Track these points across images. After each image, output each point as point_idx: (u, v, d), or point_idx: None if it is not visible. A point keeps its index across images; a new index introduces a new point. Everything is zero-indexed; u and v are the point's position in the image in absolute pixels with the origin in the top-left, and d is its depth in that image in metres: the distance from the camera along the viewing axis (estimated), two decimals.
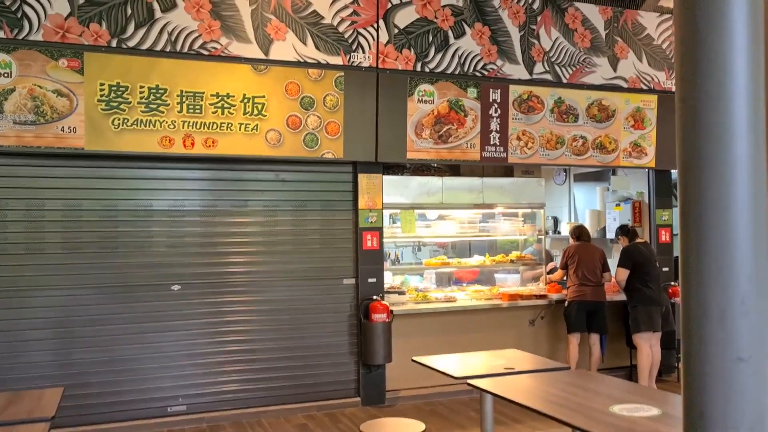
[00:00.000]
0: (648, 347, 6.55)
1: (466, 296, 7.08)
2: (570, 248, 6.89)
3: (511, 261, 7.34)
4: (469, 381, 3.55)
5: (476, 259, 7.39)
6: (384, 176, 6.76)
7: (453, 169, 7.63)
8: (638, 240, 6.78)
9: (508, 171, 7.68)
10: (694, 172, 1.47)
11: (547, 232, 8.34)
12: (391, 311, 6.31)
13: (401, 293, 6.78)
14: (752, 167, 1.45)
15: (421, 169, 7.27)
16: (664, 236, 7.66)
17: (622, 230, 6.88)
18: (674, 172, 7.60)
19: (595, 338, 6.73)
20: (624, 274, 6.59)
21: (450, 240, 7.63)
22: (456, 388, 6.62)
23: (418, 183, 6.85)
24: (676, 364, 7.46)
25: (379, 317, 6.18)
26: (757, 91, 1.48)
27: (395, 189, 6.72)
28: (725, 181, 1.43)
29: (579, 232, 6.94)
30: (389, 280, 7.23)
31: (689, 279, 1.52)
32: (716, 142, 1.44)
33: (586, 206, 9.11)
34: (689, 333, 1.59)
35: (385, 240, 6.90)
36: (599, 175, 8.88)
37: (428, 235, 7.15)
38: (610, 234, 8.12)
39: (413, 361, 4.27)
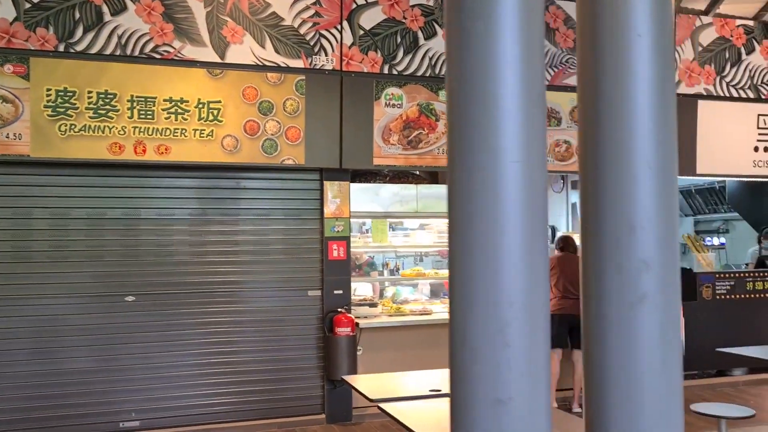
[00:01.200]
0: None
1: (445, 308, 6.75)
2: (552, 260, 6.53)
3: None
4: (380, 405, 3.26)
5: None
6: (355, 184, 6.52)
7: (432, 176, 7.34)
8: None
9: None
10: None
11: None
12: (357, 324, 6.03)
13: (373, 305, 6.50)
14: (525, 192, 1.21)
15: (399, 176, 7.00)
16: None
17: None
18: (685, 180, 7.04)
19: (578, 354, 6.33)
20: None
21: (426, 249, 7.32)
22: None
23: (391, 191, 6.57)
24: None
25: (342, 331, 5.91)
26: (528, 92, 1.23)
27: (367, 197, 6.47)
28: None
29: (563, 243, 6.58)
30: (366, 291, 6.96)
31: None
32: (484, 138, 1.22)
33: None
34: (453, 373, 1.35)
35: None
36: None
37: (404, 245, 6.86)
38: None
39: (342, 379, 3.99)
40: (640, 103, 1.38)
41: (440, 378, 3.93)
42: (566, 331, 6.29)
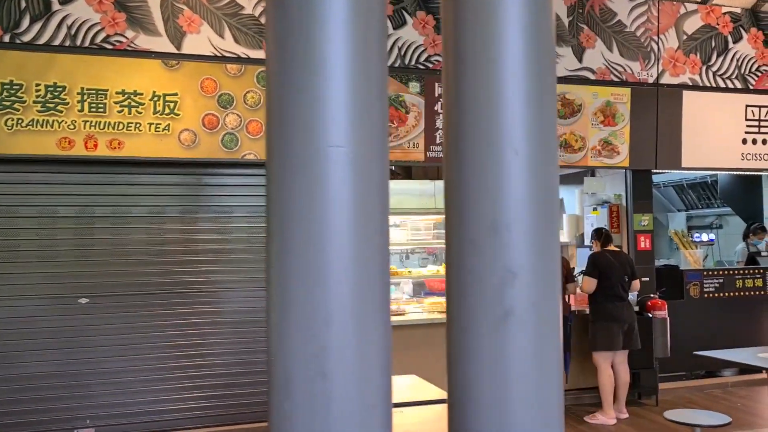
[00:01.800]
0: (607, 367, 5.91)
1: (419, 308, 6.52)
2: None
3: None
4: None
5: (430, 269, 6.82)
6: None
7: (406, 171, 7.08)
8: (611, 247, 6.14)
9: None
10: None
11: None
12: None
13: None
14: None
15: None
16: (644, 243, 6.95)
17: (596, 233, 6.25)
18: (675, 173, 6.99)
19: None
20: (590, 283, 5.97)
21: (402, 247, 7.07)
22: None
23: None
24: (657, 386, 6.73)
25: None
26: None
27: None
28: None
29: None
30: None
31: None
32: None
33: (570, 211, 8.42)
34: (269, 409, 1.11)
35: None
36: (583, 177, 8.19)
37: None
38: (589, 240, 7.44)
39: None
40: (506, 80, 1.13)
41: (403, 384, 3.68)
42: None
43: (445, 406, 3.26)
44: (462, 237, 1.12)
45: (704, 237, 8.20)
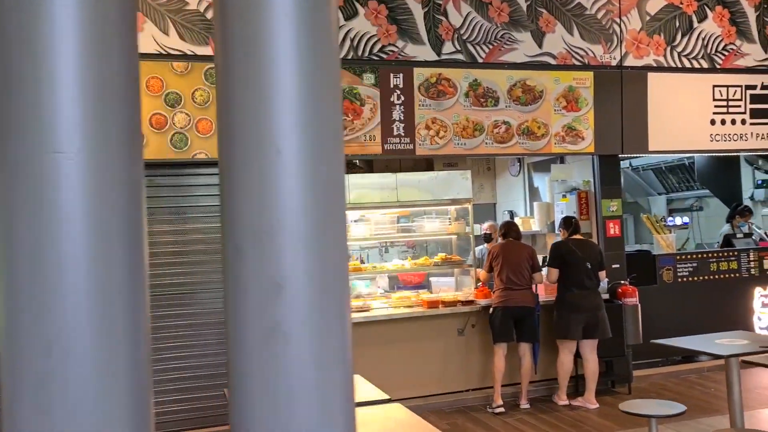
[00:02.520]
0: (564, 354, 5.93)
1: (385, 304, 6.41)
2: (494, 248, 6.17)
3: (435, 263, 6.63)
4: None
5: (395, 263, 6.72)
6: None
7: (368, 165, 6.97)
8: (576, 236, 6.06)
9: (430, 165, 6.97)
10: None
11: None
12: None
13: None
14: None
15: None
16: (613, 229, 6.85)
17: (565, 223, 6.16)
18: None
19: (525, 348, 5.98)
20: (553, 273, 5.93)
21: (364, 242, 6.96)
22: None
23: None
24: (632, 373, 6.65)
25: None
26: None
27: None
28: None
29: (506, 229, 6.19)
30: None
31: None
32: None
33: (544, 198, 8.32)
34: None
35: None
36: (550, 165, 8.08)
37: None
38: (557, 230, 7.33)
39: None
40: (272, 73, 1.02)
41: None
42: (511, 324, 5.93)
43: (367, 409, 3.16)
44: (229, 244, 1.01)
45: (678, 220, 8.09)
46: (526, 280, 5.95)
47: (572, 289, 5.83)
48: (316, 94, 1.02)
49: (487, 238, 7.33)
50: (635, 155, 7.90)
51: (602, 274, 6.05)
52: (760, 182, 9.30)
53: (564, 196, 7.24)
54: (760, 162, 8.92)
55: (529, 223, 7.91)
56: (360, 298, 6.67)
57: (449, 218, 6.83)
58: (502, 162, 8.86)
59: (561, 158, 7.44)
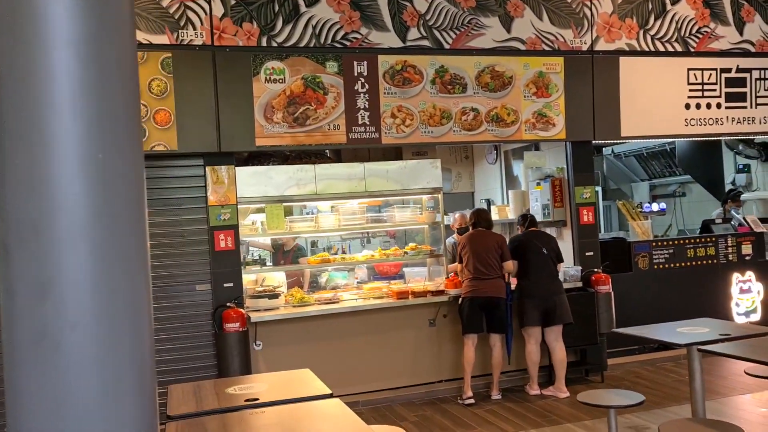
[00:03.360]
0: (531, 345, 5.95)
1: (355, 295, 6.33)
2: (462, 238, 6.08)
3: (405, 253, 6.54)
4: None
5: (365, 254, 6.63)
6: (246, 167, 6.08)
7: (337, 155, 6.86)
8: (532, 229, 6.04)
9: (400, 154, 6.87)
10: None
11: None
12: (248, 318, 5.62)
13: (273, 296, 6.07)
14: None
15: (301, 157, 6.52)
16: (587, 216, 6.75)
17: (522, 219, 6.24)
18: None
19: (495, 338, 5.90)
20: (512, 265, 5.90)
21: (330, 234, 6.87)
22: None
23: (286, 173, 6.10)
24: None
25: (231, 326, 5.49)
26: None
27: (259, 180, 6.00)
28: None
29: (475, 218, 6.10)
30: (266, 279, 6.54)
31: None
32: None
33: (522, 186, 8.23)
34: None
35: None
36: (523, 152, 7.97)
37: (307, 230, 6.39)
38: (536, 216, 7.23)
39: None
40: (46, 51, 0.92)
41: (289, 380, 3.50)
42: (480, 314, 5.85)
43: (311, 403, 3.08)
44: None
45: (655, 207, 8.00)
46: (495, 270, 5.86)
47: (529, 277, 5.91)
48: (95, 79, 0.92)
49: (460, 231, 7.24)
50: (617, 141, 7.78)
51: (560, 266, 6.03)
52: (741, 167, 9.20)
53: (538, 183, 7.15)
54: (741, 147, 8.82)
55: (506, 211, 7.83)
56: (333, 290, 6.60)
57: (420, 208, 6.73)
58: (480, 150, 8.77)
59: (536, 145, 7.34)
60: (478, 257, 5.83)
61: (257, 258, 6.76)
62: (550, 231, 7.16)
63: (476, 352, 5.89)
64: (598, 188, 10.33)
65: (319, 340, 6.02)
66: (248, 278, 6.51)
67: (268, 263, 6.74)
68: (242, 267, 6.23)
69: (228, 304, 5.58)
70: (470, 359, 5.87)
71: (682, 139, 8.80)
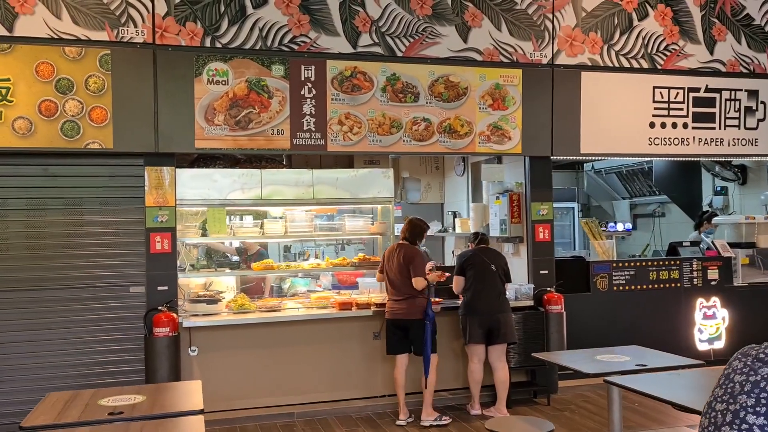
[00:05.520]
0: (474, 363, 5.76)
1: (299, 304, 6.19)
2: (385, 253, 5.86)
3: (352, 264, 6.40)
4: None
5: (311, 262, 6.50)
6: (188, 169, 5.97)
7: (288, 160, 6.74)
8: (482, 246, 5.85)
9: (351, 161, 6.73)
10: None
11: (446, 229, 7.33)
12: (181, 323, 5.49)
13: (213, 302, 5.95)
14: None
15: (252, 161, 6.40)
16: (543, 233, 6.58)
17: (474, 236, 6.03)
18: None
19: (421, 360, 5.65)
20: (457, 282, 5.71)
21: (278, 240, 6.74)
22: (270, 411, 5.79)
23: (231, 176, 5.99)
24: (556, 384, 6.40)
25: (161, 331, 5.37)
26: None
27: (202, 183, 5.90)
28: None
29: (406, 231, 5.68)
30: (213, 283, 6.42)
31: None
32: None
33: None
34: None
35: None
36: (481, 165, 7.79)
37: (252, 235, 6.27)
38: (494, 231, 7.09)
39: None
40: None
41: (183, 391, 3.37)
42: (400, 335, 5.56)
43: (174, 420, 2.95)
44: None
45: (620, 227, 7.80)
46: (406, 290, 5.46)
47: (474, 294, 5.65)
48: None
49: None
50: (588, 159, 7.57)
51: (507, 285, 5.83)
52: (719, 189, 8.99)
53: (497, 197, 6.99)
54: (717, 168, 8.61)
55: (468, 224, 7.67)
56: (292, 296, 6.48)
57: (372, 218, 6.59)
58: (451, 161, 8.62)
59: (499, 158, 7.18)
60: (388, 276, 5.60)
61: (205, 261, 6.65)
62: (507, 247, 7.01)
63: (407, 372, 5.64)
64: (574, 204, 10.15)
65: (258, 348, 5.89)
66: (196, 282, 6.42)
67: (224, 267, 6.62)
68: (187, 270, 6.14)
69: (159, 307, 5.46)
70: (399, 380, 5.59)
71: (660, 159, 8.61)
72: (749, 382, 2.05)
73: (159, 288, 5.55)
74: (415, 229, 5.67)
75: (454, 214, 8.25)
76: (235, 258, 7.02)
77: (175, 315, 5.46)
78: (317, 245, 8.67)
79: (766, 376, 2.00)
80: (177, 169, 5.72)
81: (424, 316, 5.44)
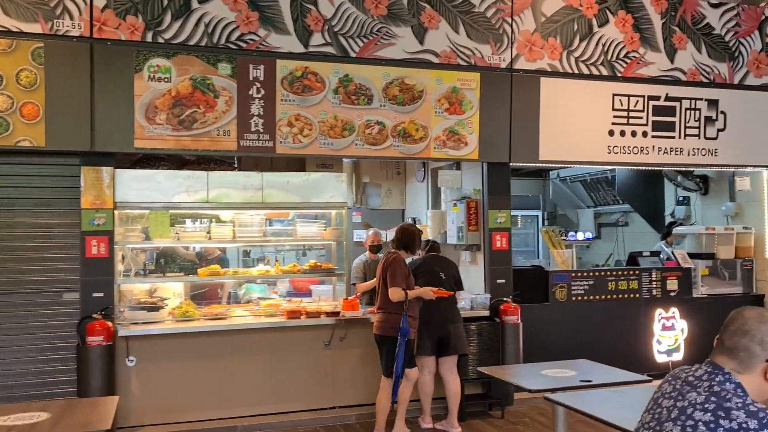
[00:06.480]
0: (424, 375, 5.48)
1: (247, 312, 5.94)
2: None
3: (303, 271, 6.17)
4: None
5: (259, 269, 6.26)
6: (129, 170, 5.71)
7: (239, 161, 6.50)
8: (433, 253, 5.66)
9: (303, 165, 6.52)
10: None
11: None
12: (116, 332, 5.22)
13: (154, 309, 5.68)
14: None
15: (199, 162, 6.15)
16: (500, 242, 6.43)
17: (425, 243, 5.83)
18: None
19: (385, 382, 5.40)
20: (395, 292, 5.37)
21: (226, 245, 6.49)
22: (213, 425, 5.54)
23: (175, 178, 5.73)
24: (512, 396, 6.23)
25: (94, 340, 5.09)
26: None
27: (145, 185, 5.63)
28: None
29: (395, 238, 5.39)
30: (158, 289, 6.15)
31: None
32: None
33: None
34: None
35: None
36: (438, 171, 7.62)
37: (198, 239, 6.01)
38: (451, 239, 6.92)
39: None
40: None
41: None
42: (379, 352, 5.31)
43: None
44: None
45: (580, 236, 7.69)
46: (382, 302, 5.20)
47: (423, 303, 5.39)
48: None
49: (372, 248, 6.88)
50: (551, 165, 7.43)
51: (459, 293, 5.63)
52: (681, 199, 8.93)
53: (455, 204, 6.83)
54: (680, 178, 8.54)
55: (426, 231, 7.49)
56: (228, 305, 6.23)
57: (325, 223, 6.38)
58: (413, 166, 8.44)
59: (457, 164, 7.02)
60: (375, 288, 5.40)
61: (153, 267, 6.37)
62: (464, 255, 6.85)
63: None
64: (538, 213, 10.03)
65: (202, 358, 5.63)
66: (141, 288, 6.14)
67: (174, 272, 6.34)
68: (133, 275, 5.87)
69: (94, 315, 5.18)
70: (377, 404, 5.33)
71: (623, 168, 8.53)
72: (676, 407, 1.89)
73: (94, 294, 5.27)
74: (405, 234, 5.30)
75: (414, 221, 8.07)
76: (193, 263, 6.75)
77: (110, 323, 5.18)
78: (278, 251, 8.44)
79: (693, 401, 1.85)
80: (117, 170, 5.47)
81: (397, 332, 5.04)
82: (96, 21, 5.08)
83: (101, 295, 5.29)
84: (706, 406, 1.78)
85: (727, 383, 1.81)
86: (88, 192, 5.26)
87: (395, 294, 5.05)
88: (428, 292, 5.17)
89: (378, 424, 5.25)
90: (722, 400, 1.77)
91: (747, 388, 1.82)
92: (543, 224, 10.05)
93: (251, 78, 5.46)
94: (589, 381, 3.59)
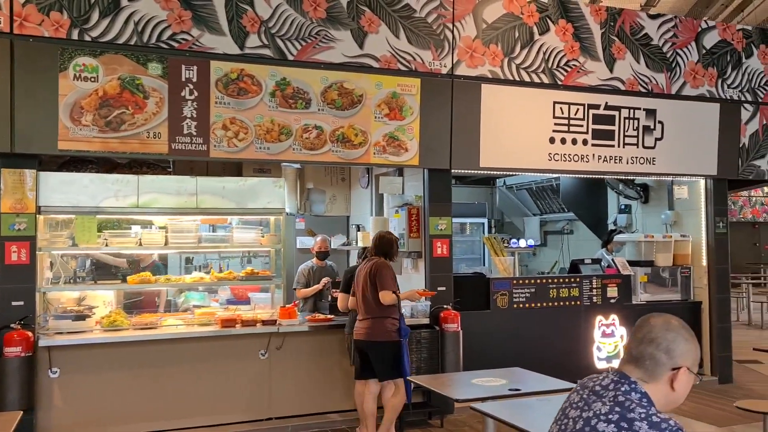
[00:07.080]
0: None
1: (180, 321, 5.75)
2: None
3: (239, 278, 6.01)
4: None
5: (194, 275, 6.07)
6: (54, 173, 5.47)
7: (174, 165, 6.31)
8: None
9: (241, 170, 6.36)
10: None
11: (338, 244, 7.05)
12: (36, 342, 4.97)
13: (81, 318, 5.44)
14: None
15: (131, 166, 5.94)
16: (441, 249, 6.37)
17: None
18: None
19: (368, 386, 5.30)
20: (342, 299, 5.40)
21: (160, 251, 6.29)
22: None
23: (104, 182, 5.51)
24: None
25: (12, 351, 4.84)
26: None
27: (71, 189, 5.40)
28: None
29: (373, 247, 5.32)
30: (87, 297, 5.90)
31: None
32: None
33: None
34: None
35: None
36: (379, 177, 7.54)
37: (128, 246, 5.79)
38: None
39: None
40: None
41: None
42: (364, 359, 5.21)
43: None
44: None
45: (522, 243, 7.71)
46: (372, 308, 5.10)
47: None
48: None
49: (319, 255, 6.77)
50: (492, 172, 7.42)
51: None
52: (623, 207, 9.06)
53: (397, 211, 6.76)
54: (621, 187, 8.67)
55: (368, 238, 7.39)
56: (161, 313, 6.02)
57: (262, 229, 6.23)
58: (357, 172, 8.35)
59: (400, 170, 6.95)
60: (358, 292, 5.24)
61: (84, 274, 6.11)
62: (406, 262, 6.78)
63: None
64: (484, 220, 10.05)
65: (132, 369, 5.42)
66: (69, 296, 5.89)
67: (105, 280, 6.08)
68: (62, 282, 5.61)
69: (12, 325, 4.92)
70: (362, 410, 5.21)
71: (567, 176, 8.61)
72: (582, 418, 1.83)
73: (14, 303, 5.01)
74: (382, 242, 5.26)
75: (358, 228, 7.98)
76: (126, 270, 6.50)
77: (30, 333, 4.93)
78: (222, 258, 8.24)
79: (598, 412, 1.78)
80: (42, 173, 5.23)
81: (398, 334, 5.05)
82: (17, 16, 4.85)
83: (21, 303, 5.03)
84: (610, 416, 1.73)
85: (633, 393, 1.76)
86: (7, 195, 5.00)
87: (387, 297, 5.02)
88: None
89: (369, 430, 5.19)
90: (626, 410, 1.71)
91: (653, 397, 1.77)
92: (490, 232, 10.05)
93: (184, 79, 5.29)
94: (518, 390, 3.54)
